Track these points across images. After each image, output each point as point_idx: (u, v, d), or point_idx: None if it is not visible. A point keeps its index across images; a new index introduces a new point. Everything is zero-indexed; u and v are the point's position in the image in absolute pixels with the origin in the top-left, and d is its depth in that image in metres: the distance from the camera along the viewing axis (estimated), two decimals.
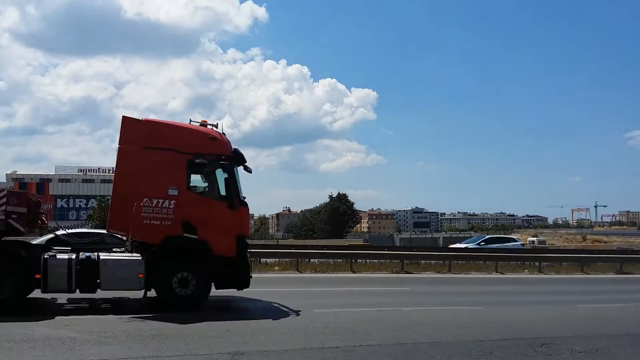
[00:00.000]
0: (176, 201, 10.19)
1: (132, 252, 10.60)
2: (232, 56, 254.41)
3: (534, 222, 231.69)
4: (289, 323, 9.41)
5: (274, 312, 10.58)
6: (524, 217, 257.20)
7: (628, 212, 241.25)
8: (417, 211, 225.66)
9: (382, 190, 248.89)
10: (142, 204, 10.08)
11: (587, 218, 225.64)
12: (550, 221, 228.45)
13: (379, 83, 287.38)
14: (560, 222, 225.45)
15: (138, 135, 10.44)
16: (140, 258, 10.19)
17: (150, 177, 10.26)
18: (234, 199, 10.63)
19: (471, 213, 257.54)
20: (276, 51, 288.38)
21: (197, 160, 10.36)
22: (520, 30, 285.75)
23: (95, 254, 10.03)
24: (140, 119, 10.95)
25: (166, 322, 8.93)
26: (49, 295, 10.53)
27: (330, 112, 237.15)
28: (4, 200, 9.37)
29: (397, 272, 20.89)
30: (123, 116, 10.57)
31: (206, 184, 11.02)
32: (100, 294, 10.33)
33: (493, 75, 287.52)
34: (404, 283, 17.97)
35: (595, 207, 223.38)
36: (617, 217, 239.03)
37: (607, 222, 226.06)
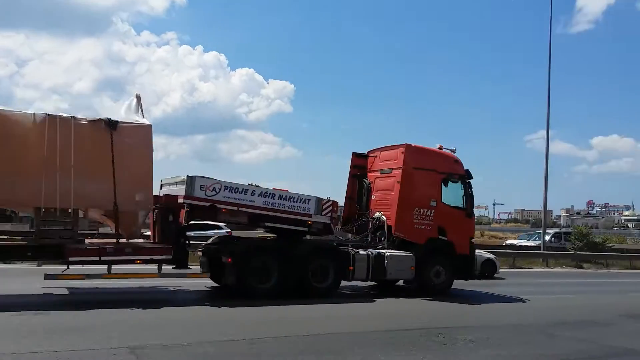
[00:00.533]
0: (435, 211, 13.02)
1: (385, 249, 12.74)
2: (146, 39, 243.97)
3: None
4: None
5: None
6: None
7: (523, 210, 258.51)
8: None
9: (295, 183, 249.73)
10: (413, 213, 12.88)
11: (486, 215, 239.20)
12: None
13: (296, 75, 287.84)
14: None
15: (412, 159, 13.04)
16: (412, 254, 12.63)
17: (418, 191, 13.10)
18: (470, 209, 13.82)
19: None
20: (193, 37, 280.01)
21: (448, 179, 13.26)
22: (432, 30, 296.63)
23: (382, 251, 12.54)
24: (411, 144, 13.28)
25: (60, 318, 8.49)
26: None
27: (246, 102, 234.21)
28: (330, 208, 12.17)
29: None
30: (407, 144, 13.16)
31: (452, 197, 13.50)
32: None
33: (408, 72, 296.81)
34: None
35: (494, 204, 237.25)
36: (513, 215, 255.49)
37: (504, 219, 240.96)
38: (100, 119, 10.30)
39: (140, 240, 12.01)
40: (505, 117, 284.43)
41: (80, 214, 10.69)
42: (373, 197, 13.69)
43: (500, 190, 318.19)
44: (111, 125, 10.22)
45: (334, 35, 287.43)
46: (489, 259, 18.69)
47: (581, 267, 26.75)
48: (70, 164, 9.69)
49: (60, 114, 10.01)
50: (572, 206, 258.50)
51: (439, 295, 12.52)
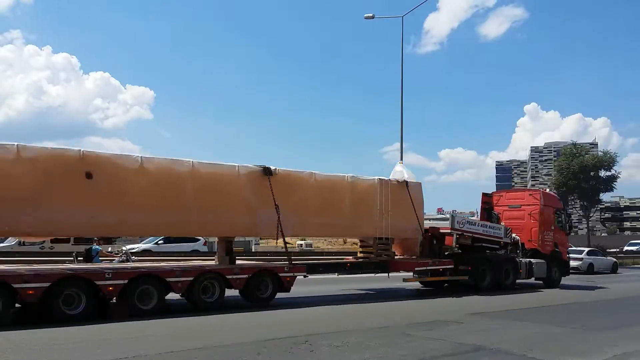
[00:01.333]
0: (553, 233, 19.99)
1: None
2: None
3: None
4: None
5: None
6: None
7: None
8: None
9: None
10: (544, 234, 19.58)
11: None
12: None
13: (157, 82, 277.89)
14: None
15: (544, 200, 19.94)
16: (544, 261, 19.35)
17: (546, 220, 19.72)
18: (569, 230, 21.44)
19: None
20: (40, 36, 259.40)
21: (557, 211, 20.53)
22: (295, 43, 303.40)
23: (530, 259, 19.09)
24: (544, 191, 22.68)
25: None
26: None
27: (101, 107, 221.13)
28: (510, 232, 18.98)
29: None
30: (541, 191, 21.43)
31: (558, 223, 20.45)
32: None
33: (272, 83, 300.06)
34: None
35: None
36: None
37: None
38: (398, 180, 16.64)
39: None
40: (365, 130, 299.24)
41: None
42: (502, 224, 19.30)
43: None
44: (405, 183, 16.72)
45: (198, 42, 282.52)
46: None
47: None
48: (388, 210, 15.71)
49: (382, 178, 16.18)
50: (424, 213, 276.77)
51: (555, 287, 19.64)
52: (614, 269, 31.55)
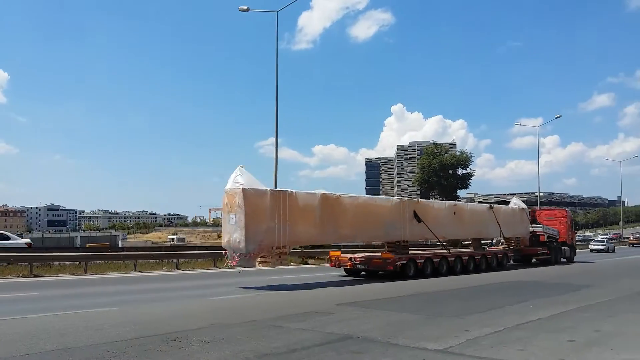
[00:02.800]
0: (571, 232, 35.42)
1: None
2: None
3: (174, 221, 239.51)
4: None
5: None
6: (165, 215, 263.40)
7: None
8: (52, 208, 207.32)
9: (10, 184, 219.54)
10: (567, 233, 34.21)
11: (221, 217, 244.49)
12: (189, 219, 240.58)
13: (11, 63, 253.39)
14: (199, 220, 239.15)
15: (569, 214, 37.07)
16: (568, 248, 34.25)
17: (568, 226, 34.74)
18: (576, 230, 39.31)
19: (112, 211, 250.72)
20: None
21: (571, 219, 36.85)
22: (165, 28, 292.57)
23: (563, 247, 33.67)
24: (567, 210, 39.77)
25: None
26: None
27: None
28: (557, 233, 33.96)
29: (24, 276, 18.73)
30: (566, 210, 37.20)
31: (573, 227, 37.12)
32: None
33: (147, 75, 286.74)
34: (32, 288, 16.26)
35: None
36: None
37: None
38: (491, 206, 28.99)
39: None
40: (240, 125, 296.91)
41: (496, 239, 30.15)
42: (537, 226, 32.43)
43: None
44: (520, 208, 31.62)
45: (59, 23, 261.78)
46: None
47: (307, 263, 29.38)
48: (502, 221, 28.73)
49: (491, 205, 29.19)
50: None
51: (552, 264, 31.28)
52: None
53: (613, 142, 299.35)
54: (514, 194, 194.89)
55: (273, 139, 33.17)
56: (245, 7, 31.25)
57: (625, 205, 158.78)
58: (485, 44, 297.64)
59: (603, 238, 67.48)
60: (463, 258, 24.05)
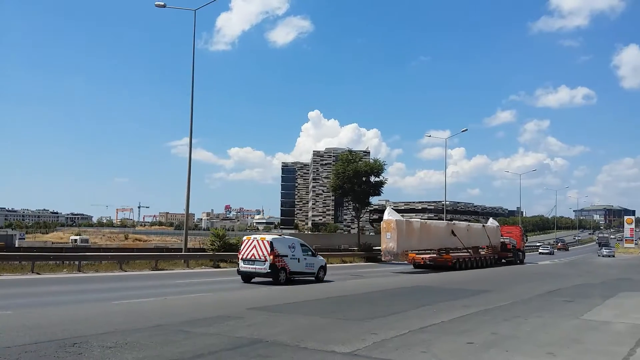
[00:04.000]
0: (522, 242, 50.75)
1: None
2: None
3: (78, 220, 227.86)
4: None
5: None
6: (68, 214, 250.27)
7: (167, 213, 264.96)
8: None
9: None
10: (522, 242, 51.65)
11: (130, 218, 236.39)
12: (95, 220, 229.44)
13: None
14: (105, 220, 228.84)
15: (521, 230, 53.77)
16: (522, 252, 49.61)
17: (521, 237, 51.00)
18: (525, 240, 55.83)
19: (9, 209, 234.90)
20: None
21: (524, 233, 57.87)
22: (83, 32, 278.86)
23: (518, 252, 48.35)
24: (520, 227, 58.31)
25: None
26: None
27: None
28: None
29: None
30: (520, 227, 56.94)
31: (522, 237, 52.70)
32: None
33: (56, 67, 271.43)
34: None
35: (139, 207, 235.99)
36: (158, 218, 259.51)
37: (149, 222, 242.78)
38: (484, 225, 44.91)
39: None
40: (151, 124, 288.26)
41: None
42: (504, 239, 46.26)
43: (146, 193, 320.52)
44: (495, 226, 46.60)
45: None
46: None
47: (218, 267, 28.93)
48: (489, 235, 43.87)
49: (483, 224, 45.03)
50: (212, 210, 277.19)
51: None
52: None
53: (514, 156, 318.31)
54: (423, 202, 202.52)
55: (187, 139, 32.48)
56: (162, 3, 30.34)
57: (524, 215, 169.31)
58: (398, 57, 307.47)
59: (547, 245, 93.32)
60: (478, 258, 39.30)
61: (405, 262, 34.13)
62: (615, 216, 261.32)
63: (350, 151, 49.30)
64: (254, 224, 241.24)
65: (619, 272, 35.91)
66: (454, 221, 46.37)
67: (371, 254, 45.94)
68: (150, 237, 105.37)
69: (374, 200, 62.39)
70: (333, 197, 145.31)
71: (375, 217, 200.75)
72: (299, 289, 18.92)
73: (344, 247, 54.50)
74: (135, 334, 8.98)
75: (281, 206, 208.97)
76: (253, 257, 20.70)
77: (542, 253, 77.89)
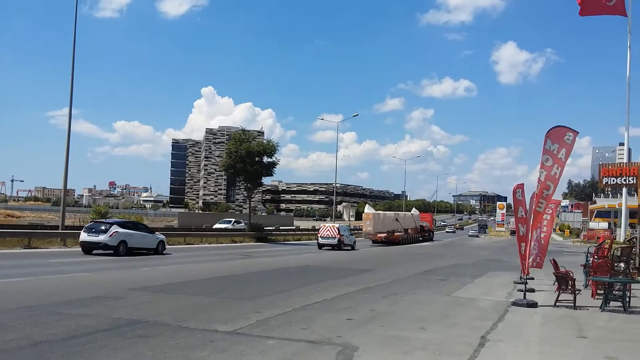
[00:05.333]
0: (430, 223, 70.36)
1: None
2: None
3: None
4: None
5: None
6: None
7: (44, 188, 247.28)
8: None
9: None
10: (432, 223, 75.42)
11: (2, 192, 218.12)
12: None
13: None
14: None
15: (433, 215, 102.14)
16: (431, 232, 68.82)
17: (431, 219, 74.65)
18: (433, 223, 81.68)
19: None
20: None
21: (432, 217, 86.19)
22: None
23: (429, 232, 67.92)
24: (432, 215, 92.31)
25: None
26: None
27: None
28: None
29: None
30: (431, 214, 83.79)
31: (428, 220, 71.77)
32: None
33: None
34: None
35: (12, 181, 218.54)
36: (33, 193, 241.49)
37: (23, 197, 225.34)
38: (412, 213, 63.95)
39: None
40: (28, 92, 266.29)
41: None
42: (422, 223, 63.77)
43: (21, 166, 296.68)
44: (412, 214, 62.86)
45: None
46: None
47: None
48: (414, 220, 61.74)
49: (412, 213, 63.63)
50: (95, 186, 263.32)
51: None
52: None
53: (400, 142, 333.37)
54: (315, 184, 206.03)
55: (67, 110, 30.44)
56: None
57: (408, 199, 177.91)
58: (294, 38, 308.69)
59: (451, 226, 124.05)
60: (409, 236, 54.63)
61: (372, 238, 48.70)
62: (489, 201, 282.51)
63: (243, 130, 48.70)
64: (141, 201, 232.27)
65: (490, 253, 38.98)
66: (397, 212, 65.46)
67: (262, 234, 46.11)
68: (25, 213, 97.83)
69: (267, 180, 62.45)
70: (225, 177, 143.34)
71: (267, 197, 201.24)
72: (184, 269, 18.59)
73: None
74: (1, 315, 8.37)
75: (171, 184, 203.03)
76: (328, 235, 36.90)
77: (448, 232, 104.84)
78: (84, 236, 22.58)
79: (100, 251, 22.28)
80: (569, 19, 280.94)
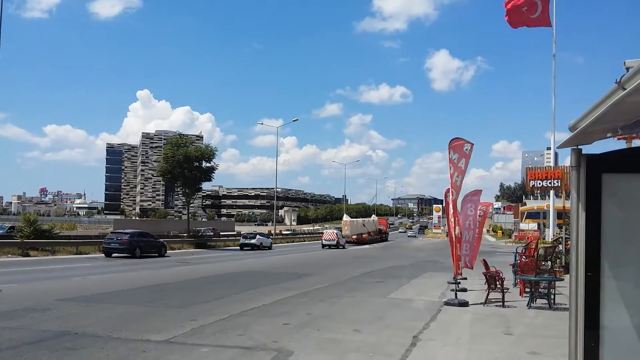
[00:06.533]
0: (385, 226, 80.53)
1: None
2: None
3: None
4: None
5: None
6: None
7: None
8: None
9: None
10: (386, 226, 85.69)
11: None
12: None
13: None
14: None
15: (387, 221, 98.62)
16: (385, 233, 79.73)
17: (385, 223, 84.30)
18: (387, 228, 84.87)
19: None
20: None
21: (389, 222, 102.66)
22: None
23: (385, 234, 79.44)
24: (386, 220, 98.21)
25: None
26: None
27: None
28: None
29: None
30: (386, 220, 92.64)
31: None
32: None
33: None
34: None
35: None
36: None
37: None
38: (373, 219, 74.72)
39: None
40: None
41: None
42: (380, 226, 74.98)
43: None
44: (373, 220, 74.94)
45: None
46: None
47: (28, 255, 26.37)
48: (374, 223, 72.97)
49: (372, 219, 74.75)
50: (25, 193, 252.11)
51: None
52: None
53: (340, 147, 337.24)
54: (256, 188, 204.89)
55: None
56: None
57: (348, 202, 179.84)
58: (231, 41, 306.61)
59: (415, 228, 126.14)
60: (372, 238, 64.51)
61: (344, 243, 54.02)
62: (426, 204, 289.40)
63: (180, 135, 47.88)
64: (74, 208, 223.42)
65: (427, 255, 39.95)
66: (365, 218, 74.79)
67: (201, 240, 45.37)
68: None
69: (207, 186, 61.61)
70: (163, 182, 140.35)
71: (208, 202, 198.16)
72: (119, 277, 18.06)
73: (173, 233, 53.16)
74: None
75: (106, 190, 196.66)
76: (330, 238, 49.73)
77: (410, 236, 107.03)
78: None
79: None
80: (499, 29, 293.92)
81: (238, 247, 43.33)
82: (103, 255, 28.18)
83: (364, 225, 65.92)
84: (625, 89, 2.73)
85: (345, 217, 67.36)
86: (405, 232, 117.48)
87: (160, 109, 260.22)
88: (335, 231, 52.30)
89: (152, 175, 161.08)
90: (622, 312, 3.79)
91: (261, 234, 47.66)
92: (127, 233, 29.20)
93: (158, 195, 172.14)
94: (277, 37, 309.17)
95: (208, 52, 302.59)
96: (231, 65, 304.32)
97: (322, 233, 55.51)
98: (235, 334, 8.44)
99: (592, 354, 3.74)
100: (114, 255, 27.73)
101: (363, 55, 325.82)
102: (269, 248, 44.76)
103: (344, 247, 49.90)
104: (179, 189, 49.26)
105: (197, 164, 44.31)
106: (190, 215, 54.46)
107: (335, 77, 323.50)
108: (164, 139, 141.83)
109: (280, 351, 7.30)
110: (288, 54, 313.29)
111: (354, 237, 60.23)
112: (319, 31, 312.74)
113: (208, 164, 45.06)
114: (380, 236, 71.20)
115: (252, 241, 42.81)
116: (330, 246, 49.06)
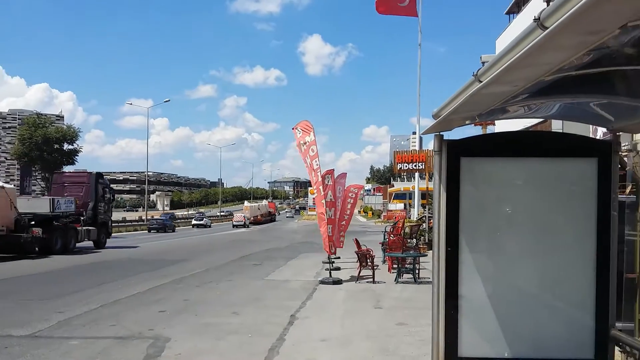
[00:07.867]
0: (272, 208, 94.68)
1: None
2: None
3: None
4: None
5: None
6: None
7: None
8: None
9: None
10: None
11: None
12: None
13: None
14: None
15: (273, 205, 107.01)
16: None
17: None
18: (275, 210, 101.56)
19: None
20: None
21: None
22: None
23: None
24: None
25: None
26: None
27: None
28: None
29: None
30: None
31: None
32: None
33: None
34: None
35: None
36: None
37: None
38: (265, 203, 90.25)
39: None
40: None
41: None
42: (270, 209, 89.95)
43: None
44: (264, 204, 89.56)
45: None
46: None
47: None
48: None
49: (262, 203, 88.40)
50: None
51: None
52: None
53: (215, 130, 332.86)
54: (125, 172, 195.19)
55: None
56: None
57: (225, 186, 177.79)
58: (96, 16, 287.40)
59: (291, 210, 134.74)
60: (264, 219, 76.16)
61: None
62: (301, 187, 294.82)
63: (38, 114, 44.29)
64: None
65: (302, 236, 40.78)
66: (259, 203, 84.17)
67: None
68: None
69: (69, 169, 57.62)
70: (18, 166, 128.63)
71: None
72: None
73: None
74: None
75: None
76: (239, 220, 61.59)
77: (288, 217, 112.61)
78: None
79: None
80: (368, 16, 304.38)
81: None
82: None
83: (258, 209, 79.45)
84: (482, 82, 3.02)
85: (247, 203, 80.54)
86: (292, 215, 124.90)
87: (14, 85, 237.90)
88: (243, 214, 65.60)
89: (6, 158, 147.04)
90: (477, 282, 4.24)
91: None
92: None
93: (12, 180, 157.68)
94: (148, 15, 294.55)
95: (68, 24, 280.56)
96: (95, 41, 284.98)
97: (233, 216, 70.51)
98: (108, 324, 8.12)
99: (452, 321, 4.16)
100: None
101: (237, 37, 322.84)
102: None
103: (248, 227, 60.21)
104: (37, 173, 45.63)
105: (58, 146, 41.32)
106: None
107: (208, 57, 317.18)
108: (19, 119, 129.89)
109: (157, 338, 7.16)
110: (158, 32, 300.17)
111: (252, 218, 69.93)
112: (191, 9, 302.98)
113: (70, 146, 42.26)
114: (270, 217, 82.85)
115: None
116: (239, 226, 59.44)
